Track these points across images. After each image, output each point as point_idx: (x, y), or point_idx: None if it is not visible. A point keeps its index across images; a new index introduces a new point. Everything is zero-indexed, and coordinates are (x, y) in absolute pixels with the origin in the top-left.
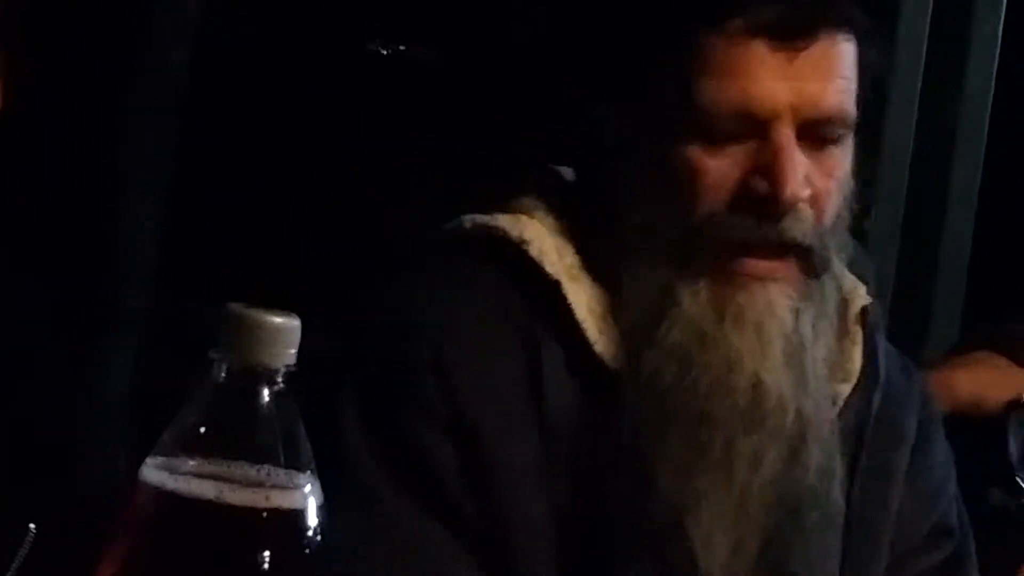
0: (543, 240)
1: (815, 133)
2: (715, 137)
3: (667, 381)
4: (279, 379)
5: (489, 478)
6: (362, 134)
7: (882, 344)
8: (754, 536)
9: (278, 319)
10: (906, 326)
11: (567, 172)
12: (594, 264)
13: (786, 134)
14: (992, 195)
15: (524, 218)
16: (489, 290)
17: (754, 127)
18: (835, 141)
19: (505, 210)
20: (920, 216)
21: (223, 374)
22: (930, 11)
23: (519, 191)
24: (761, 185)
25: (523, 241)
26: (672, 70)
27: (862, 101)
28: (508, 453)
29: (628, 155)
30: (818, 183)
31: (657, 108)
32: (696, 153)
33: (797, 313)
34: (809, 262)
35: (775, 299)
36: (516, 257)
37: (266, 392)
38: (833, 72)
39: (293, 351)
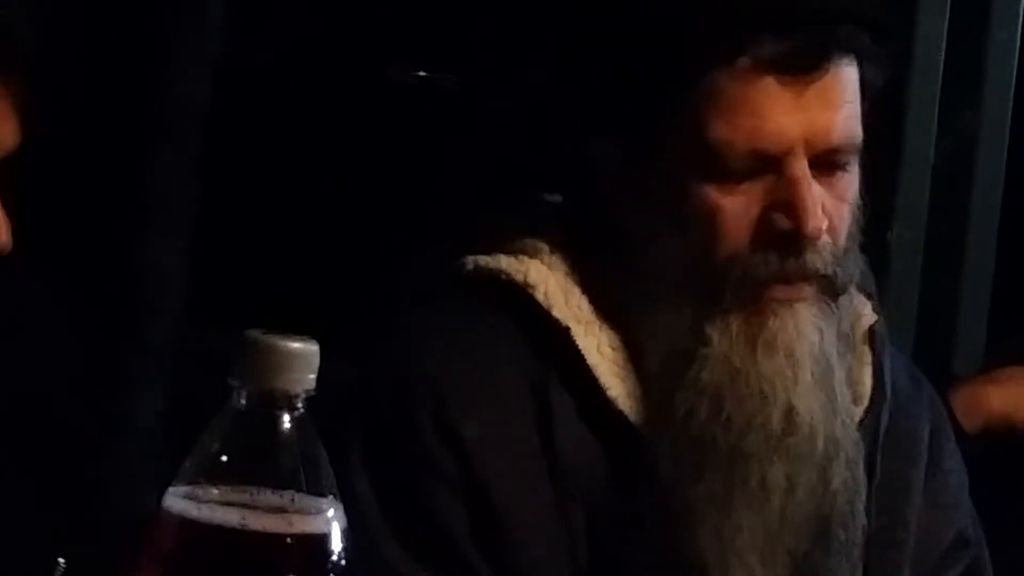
0: (548, 283)
1: (827, 161)
2: (730, 176)
3: (702, 420)
4: (299, 404)
5: (503, 536)
6: (384, 163)
7: (887, 358)
8: (786, 559)
9: (296, 344)
10: (931, 338)
11: (567, 208)
12: (603, 307)
13: (801, 167)
14: (1015, 203)
15: (527, 259)
16: (493, 336)
17: (768, 163)
18: (844, 167)
19: (508, 250)
20: (943, 226)
21: (243, 400)
22: (947, 19)
23: (521, 229)
24: (782, 221)
25: (528, 285)
26: (681, 110)
27: (877, 113)
28: (521, 509)
29: (638, 195)
30: (832, 210)
31: (668, 149)
32: (712, 193)
33: (822, 333)
34: (830, 286)
35: (802, 320)
36: (521, 301)
37: (287, 418)
38: (841, 99)
39: (312, 376)
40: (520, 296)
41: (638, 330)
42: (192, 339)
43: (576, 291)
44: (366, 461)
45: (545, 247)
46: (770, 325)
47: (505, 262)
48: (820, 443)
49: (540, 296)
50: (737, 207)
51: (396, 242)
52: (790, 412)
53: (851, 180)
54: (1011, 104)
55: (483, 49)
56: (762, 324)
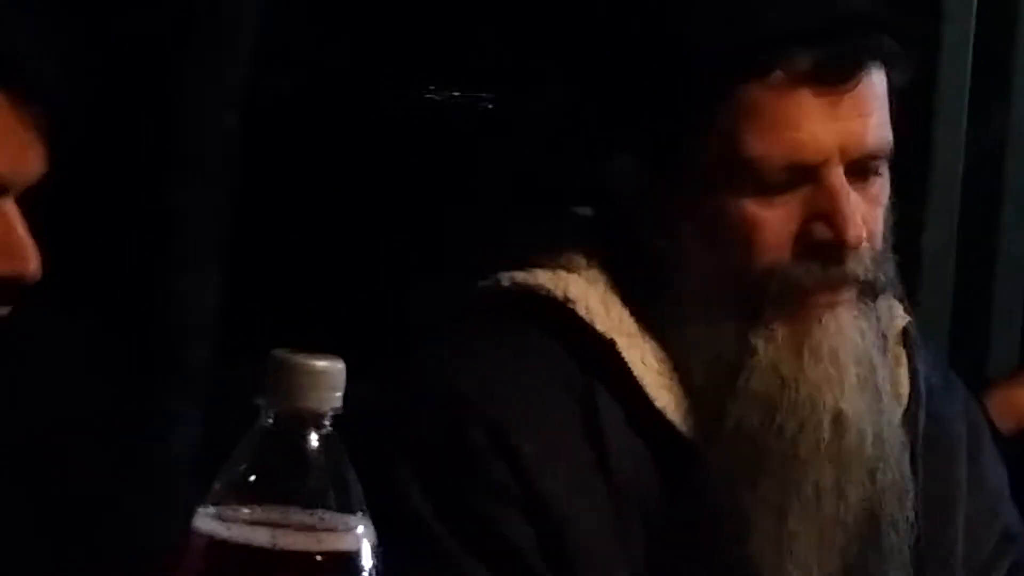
0: (589, 298)
1: (861, 168)
2: (767, 190)
3: (753, 428)
4: (326, 422)
5: (566, 549)
6: (413, 186)
7: (922, 359)
8: (839, 563)
9: (322, 363)
10: (966, 340)
11: (598, 222)
12: (644, 319)
13: (838, 176)
14: None
15: (565, 274)
16: (537, 353)
17: (805, 174)
18: (877, 171)
19: (543, 264)
20: (975, 230)
21: (270, 420)
22: (973, 23)
23: (556, 244)
24: (822, 231)
25: (569, 300)
26: (713, 125)
27: (906, 119)
28: (582, 521)
29: (666, 211)
30: (868, 216)
31: (698, 164)
32: (749, 208)
33: (863, 334)
34: (870, 289)
35: (845, 323)
36: (562, 316)
37: (314, 436)
38: (873, 106)
39: (339, 394)
40: (561, 311)
41: (679, 343)
42: (226, 368)
43: (617, 305)
44: (420, 482)
45: (582, 261)
46: (814, 332)
47: (543, 277)
48: (869, 444)
49: (582, 311)
50: (776, 220)
51: (429, 265)
52: (839, 416)
53: (884, 184)
54: None
55: (508, 67)
56: (807, 331)
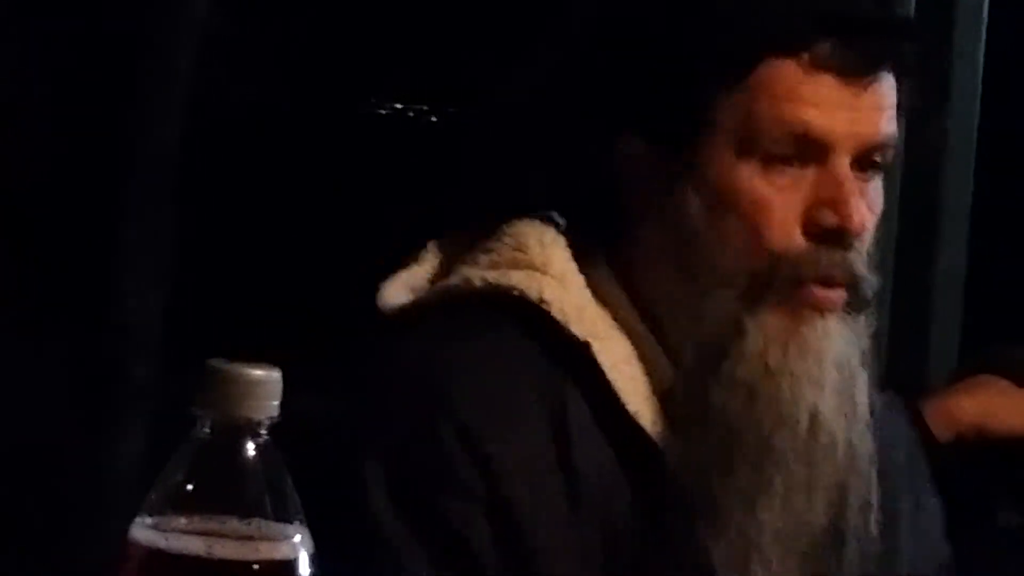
0: (563, 299)
1: (866, 160)
2: (775, 161)
3: (734, 414)
4: (263, 432)
5: (523, 551)
6: (362, 196)
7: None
8: (803, 564)
9: (259, 372)
10: (904, 350)
11: (574, 219)
12: (621, 318)
13: (844, 164)
14: (985, 209)
15: (538, 275)
16: (510, 353)
17: (813, 153)
18: (879, 169)
19: (514, 264)
20: (913, 234)
21: (206, 429)
22: None
23: (527, 243)
24: (828, 217)
25: (543, 302)
26: (736, 99)
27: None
28: (542, 525)
29: (683, 189)
30: (866, 214)
31: (717, 138)
32: (758, 184)
33: (847, 343)
34: (858, 296)
35: (832, 327)
36: (534, 317)
37: (251, 445)
38: (886, 103)
39: (276, 403)
40: (532, 312)
41: (669, 329)
42: (172, 381)
43: (592, 305)
44: (386, 481)
45: (553, 258)
46: (805, 329)
47: (517, 278)
48: (840, 451)
49: (556, 313)
50: (782, 201)
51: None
52: (815, 416)
53: (880, 190)
54: (978, 109)
55: (465, 69)
56: (797, 327)
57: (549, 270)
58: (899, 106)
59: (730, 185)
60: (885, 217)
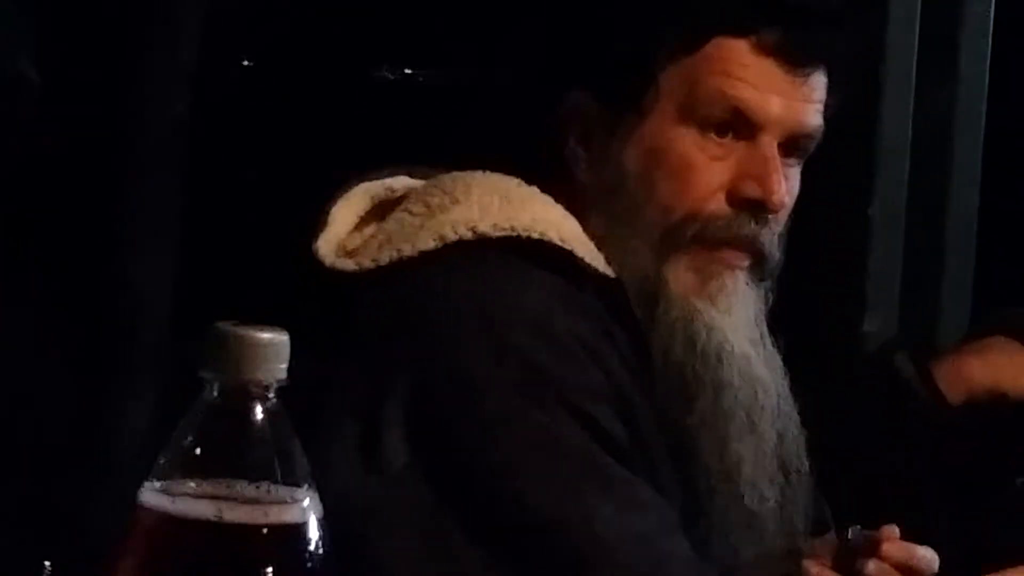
0: (576, 241)
1: (792, 146)
2: (709, 127)
3: (679, 354)
4: (271, 395)
5: (638, 437)
6: (372, 162)
7: None
8: (781, 479)
9: (267, 335)
10: (915, 313)
11: (545, 174)
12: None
13: (772, 146)
14: (994, 176)
15: (542, 220)
16: (551, 284)
17: (745, 129)
18: (801, 157)
19: (514, 216)
20: (923, 201)
21: (215, 393)
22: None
23: (520, 196)
24: (752, 189)
25: (563, 241)
26: (685, 68)
27: (854, 95)
28: (639, 415)
29: (621, 145)
30: (785, 196)
31: (661, 101)
32: (691, 147)
33: (752, 303)
34: (762, 267)
35: (740, 285)
36: (555, 260)
37: (259, 409)
38: (817, 98)
39: (284, 366)
40: (552, 253)
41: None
42: (179, 349)
43: (592, 247)
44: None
45: (548, 209)
46: (713, 283)
47: (524, 222)
48: (773, 395)
49: (581, 253)
50: (711, 168)
51: None
52: (744, 356)
53: (798, 178)
54: (987, 80)
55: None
56: (706, 281)
57: (551, 214)
58: (826, 105)
59: (666, 146)
60: (894, 187)
